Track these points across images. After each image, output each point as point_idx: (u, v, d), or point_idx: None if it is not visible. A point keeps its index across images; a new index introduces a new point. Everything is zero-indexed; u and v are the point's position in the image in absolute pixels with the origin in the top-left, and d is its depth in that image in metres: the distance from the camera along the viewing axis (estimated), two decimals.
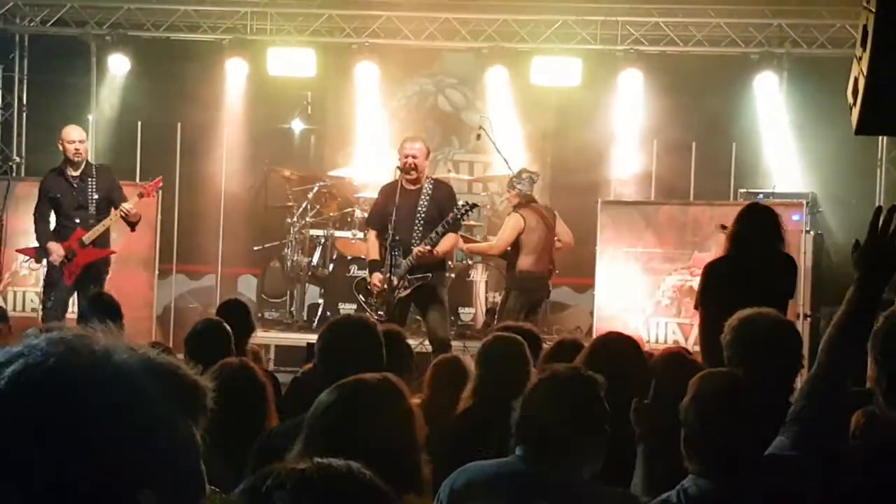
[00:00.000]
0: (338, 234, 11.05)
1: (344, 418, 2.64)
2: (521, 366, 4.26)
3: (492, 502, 3.13)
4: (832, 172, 11.45)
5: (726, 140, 11.69)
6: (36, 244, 9.03)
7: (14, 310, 10.54)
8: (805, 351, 4.42)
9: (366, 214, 10.21)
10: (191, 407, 1.15)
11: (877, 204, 11.17)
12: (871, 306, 2.87)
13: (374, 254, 8.44)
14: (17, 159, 12.02)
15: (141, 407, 1.11)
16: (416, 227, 8.23)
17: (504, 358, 4.39)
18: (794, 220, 10.13)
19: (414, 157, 8.30)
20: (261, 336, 9.06)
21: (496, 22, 12.00)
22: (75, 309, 8.90)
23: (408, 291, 8.26)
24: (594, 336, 9.62)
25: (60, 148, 8.91)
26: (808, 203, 10.60)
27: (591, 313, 10.87)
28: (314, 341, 4.31)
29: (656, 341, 9.96)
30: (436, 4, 12.05)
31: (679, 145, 11.60)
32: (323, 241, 11.13)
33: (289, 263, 11.26)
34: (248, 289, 12.45)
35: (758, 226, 6.02)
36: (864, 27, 4.16)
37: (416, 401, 3.29)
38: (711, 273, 6.11)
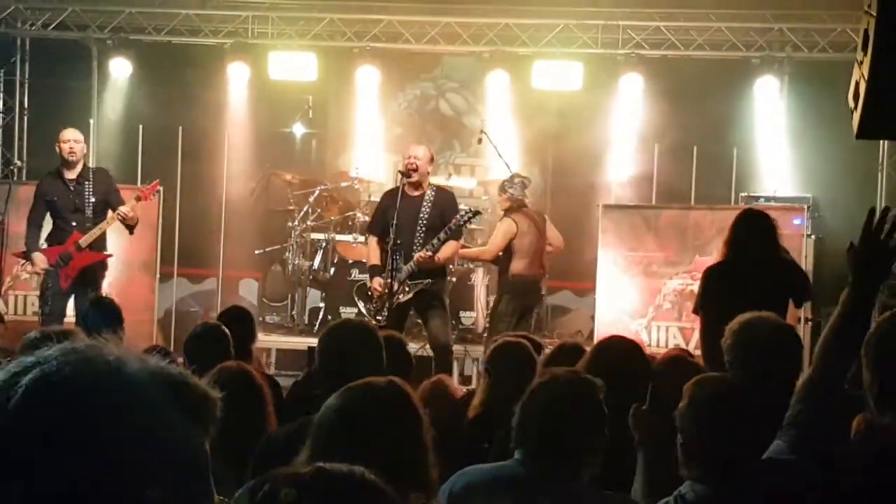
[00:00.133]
0: (339, 237, 11.05)
1: (352, 422, 2.64)
2: (531, 373, 4.26)
3: None
4: (833, 176, 11.44)
5: (727, 144, 11.69)
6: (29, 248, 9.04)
7: (15, 313, 10.55)
8: (806, 355, 4.43)
9: (366, 218, 10.23)
10: (201, 417, 1.16)
11: (879, 208, 11.21)
12: (866, 308, 2.88)
13: (375, 259, 8.43)
14: (19, 163, 12.03)
15: (152, 416, 1.12)
16: (417, 234, 8.23)
17: (514, 365, 4.40)
18: (795, 224, 10.13)
19: (417, 158, 8.30)
20: (262, 340, 9.06)
21: (497, 26, 12.01)
22: (72, 312, 8.92)
23: (408, 296, 8.26)
24: (595, 340, 9.67)
25: (57, 150, 8.93)
26: (809, 207, 10.60)
27: (592, 317, 10.87)
28: (315, 345, 4.31)
29: (658, 345, 9.95)
30: (437, 8, 12.06)
31: (680, 149, 11.60)
32: (324, 244, 11.13)
33: (290, 267, 11.27)
34: (249, 292, 12.46)
35: (754, 230, 6.03)
36: (865, 31, 4.16)
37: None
38: (710, 277, 6.12)
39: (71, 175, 8.85)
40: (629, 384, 3.63)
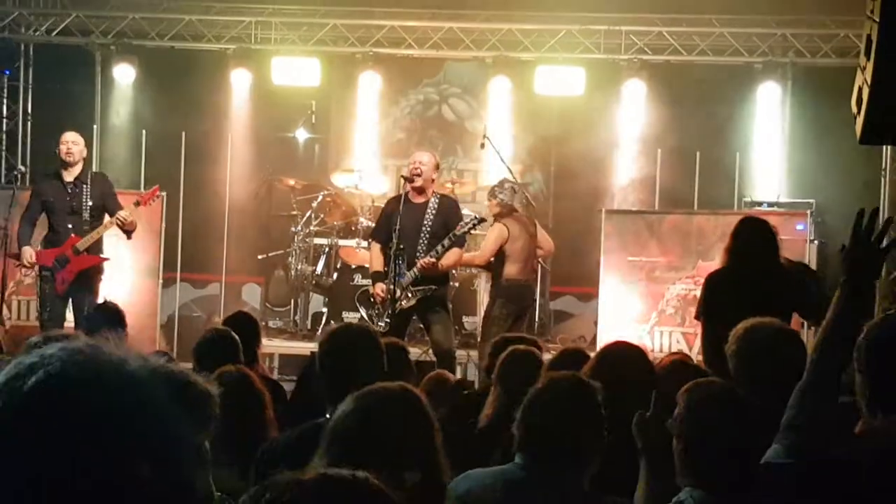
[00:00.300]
0: (342, 242, 11.06)
1: (367, 427, 2.65)
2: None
3: None
4: (836, 182, 11.43)
5: (730, 149, 11.70)
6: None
7: (18, 318, 10.56)
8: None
9: (370, 223, 10.24)
10: (202, 414, 1.17)
11: (882, 213, 11.21)
12: (858, 308, 2.89)
13: (378, 265, 8.42)
14: (22, 168, 12.04)
15: (154, 414, 1.13)
16: (421, 240, 8.22)
17: (525, 373, 4.40)
18: (798, 230, 10.13)
19: (421, 164, 8.30)
20: (265, 345, 9.05)
21: (500, 31, 12.02)
22: (70, 316, 8.95)
23: (411, 303, 8.26)
24: (598, 345, 9.66)
25: (56, 151, 8.97)
26: (811, 212, 10.60)
27: (595, 322, 10.86)
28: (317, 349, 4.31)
29: (661, 350, 9.93)
30: (439, 14, 12.08)
31: (683, 154, 11.60)
32: (327, 249, 11.14)
33: (293, 272, 11.28)
34: (252, 297, 12.47)
35: (755, 237, 6.05)
36: (868, 37, 4.16)
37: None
38: (712, 284, 6.13)
39: (69, 177, 8.87)
40: (633, 390, 3.62)
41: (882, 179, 11.49)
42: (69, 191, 8.85)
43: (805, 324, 9.46)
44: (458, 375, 9.48)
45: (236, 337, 5.38)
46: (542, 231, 9.90)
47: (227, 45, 12.23)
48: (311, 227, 11.14)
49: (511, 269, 9.22)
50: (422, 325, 8.97)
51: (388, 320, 8.18)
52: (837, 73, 10.17)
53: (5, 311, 10.00)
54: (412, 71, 12.73)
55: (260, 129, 12.34)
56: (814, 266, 10.12)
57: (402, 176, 8.57)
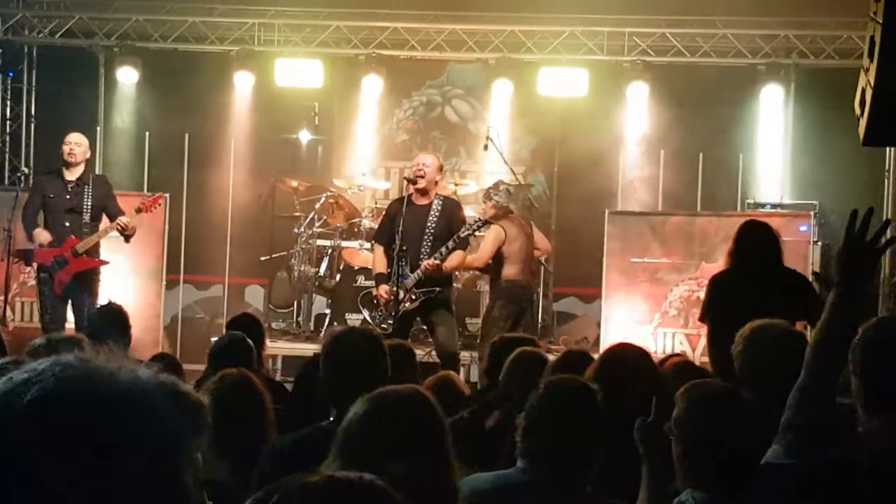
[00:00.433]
0: (345, 244, 11.06)
1: (379, 429, 2.66)
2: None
3: None
4: (839, 183, 11.43)
5: (733, 151, 11.70)
6: (24, 248, 9.05)
7: (22, 320, 10.58)
8: None
9: (373, 225, 10.24)
10: (193, 425, 1.18)
11: (885, 215, 11.20)
12: (852, 309, 2.89)
13: (381, 267, 8.42)
14: (26, 170, 12.01)
15: (146, 427, 1.14)
16: (424, 243, 8.22)
17: (532, 373, 4.40)
18: (801, 231, 10.13)
19: (425, 165, 8.31)
20: (268, 346, 9.06)
21: (503, 33, 12.02)
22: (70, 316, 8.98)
23: (414, 304, 8.26)
24: (601, 347, 9.67)
25: (60, 152, 9.01)
26: (815, 214, 10.60)
27: (598, 324, 10.87)
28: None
29: (664, 352, 9.93)
30: (443, 16, 12.08)
31: (686, 156, 11.61)
32: (330, 251, 11.14)
33: (296, 274, 11.28)
34: (255, 299, 12.47)
35: (758, 241, 6.07)
36: (872, 38, 4.16)
37: None
38: (716, 285, 6.14)
39: (70, 177, 8.92)
40: (637, 392, 3.62)
41: (885, 181, 11.49)
42: (70, 190, 8.88)
43: (808, 326, 9.47)
44: (462, 376, 9.50)
45: (250, 342, 5.43)
46: (538, 231, 9.95)
47: (231, 47, 12.23)
48: (314, 229, 11.14)
49: (510, 271, 9.25)
50: (425, 327, 8.98)
51: (391, 322, 8.18)
52: (840, 74, 10.16)
53: (9, 312, 10.02)
54: (415, 72, 12.73)
55: (263, 130, 12.34)
56: (817, 267, 10.13)
57: (406, 178, 8.58)
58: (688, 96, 11.75)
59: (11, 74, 12.79)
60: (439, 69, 12.83)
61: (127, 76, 12.20)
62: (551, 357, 5.24)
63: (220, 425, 3.73)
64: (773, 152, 11.90)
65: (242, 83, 12.15)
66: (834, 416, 2.91)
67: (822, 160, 11.51)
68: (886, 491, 2.70)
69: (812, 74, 11.84)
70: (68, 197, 8.88)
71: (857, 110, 4.31)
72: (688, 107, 11.68)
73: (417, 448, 2.64)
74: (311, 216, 11.12)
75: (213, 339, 7.60)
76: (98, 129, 12.10)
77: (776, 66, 11.74)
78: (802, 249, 9.86)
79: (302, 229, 11.14)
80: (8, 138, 12.80)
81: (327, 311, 11.13)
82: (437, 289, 8.23)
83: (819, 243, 10.47)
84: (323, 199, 11.13)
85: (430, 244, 8.22)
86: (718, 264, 8.97)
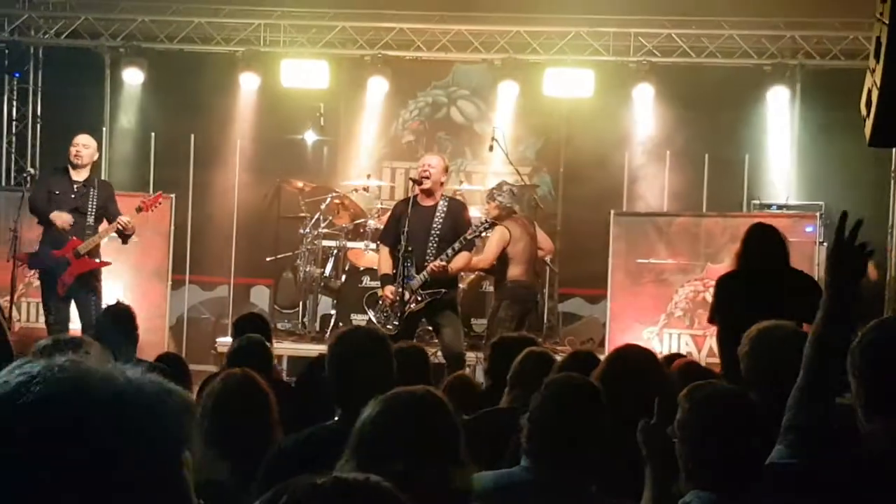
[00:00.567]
0: (350, 244, 11.07)
1: (390, 430, 2.66)
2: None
3: None
4: (845, 184, 11.40)
5: (739, 151, 11.69)
6: (27, 251, 9.05)
7: (28, 321, 10.61)
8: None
9: (378, 226, 10.24)
10: (184, 424, 1.19)
11: (891, 216, 11.19)
12: (844, 310, 2.90)
13: (386, 268, 8.41)
14: (32, 171, 12.06)
15: (137, 429, 1.16)
16: (430, 244, 8.22)
17: (542, 374, 4.40)
18: (807, 232, 10.12)
19: (430, 166, 8.30)
20: (274, 347, 9.07)
21: (509, 34, 12.02)
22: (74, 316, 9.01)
23: (420, 306, 8.26)
24: (606, 347, 9.67)
25: (67, 153, 9.04)
26: (821, 215, 10.58)
27: (604, 324, 10.86)
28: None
29: (669, 353, 9.94)
30: (448, 16, 12.08)
31: (692, 156, 11.60)
32: (335, 252, 11.15)
33: (301, 274, 11.28)
34: (260, 299, 12.48)
35: (766, 242, 6.08)
36: (878, 39, 4.16)
37: None
38: (724, 286, 6.15)
39: (77, 178, 8.96)
40: (645, 393, 3.62)
41: (891, 181, 11.47)
42: (76, 190, 8.91)
43: None
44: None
45: (268, 344, 5.45)
46: (541, 231, 9.97)
47: (236, 48, 12.24)
48: (320, 230, 11.14)
49: (514, 271, 9.27)
50: (430, 328, 8.98)
51: (396, 323, 8.18)
52: (847, 75, 10.14)
53: (14, 312, 10.04)
54: (421, 73, 12.73)
55: (268, 131, 12.35)
56: (823, 268, 10.11)
57: (411, 178, 8.57)
58: (693, 97, 11.73)
59: (17, 75, 12.82)
60: (445, 70, 12.84)
61: (133, 77, 12.21)
62: (557, 358, 5.24)
63: (223, 425, 3.76)
64: (779, 153, 11.88)
65: (248, 84, 12.15)
66: (834, 416, 2.92)
67: (829, 161, 11.49)
68: (888, 491, 2.70)
69: (818, 75, 11.82)
70: (73, 196, 8.90)
71: (864, 111, 4.31)
72: (693, 107, 11.67)
73: (431, 449, 2.64)
74: (316, 217, 11.12)
75: (221, 339, 7.61)
76: (104, 129, 12.11)
77: (782, 66, 11.73)
78: (808, 250, 9.85)
79: (307, 230, 11.14)
80: (14, 139, 12.83)
81: (333, 311, 11.14)
82: (443, 290, 8.22)
83: (825, 244, 10.44)
84: (328, 199, 11.13)
85: (435, 245, 8.21)
86: (724, 265, 8.98)
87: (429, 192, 8.32)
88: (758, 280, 5.89)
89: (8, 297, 9.54)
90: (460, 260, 8.26)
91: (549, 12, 11.93)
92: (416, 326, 8.65)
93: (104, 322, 6.61)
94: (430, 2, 12.15)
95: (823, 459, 2.82)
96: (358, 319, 10.21)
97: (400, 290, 8.10)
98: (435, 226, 8.24)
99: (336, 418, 3.74)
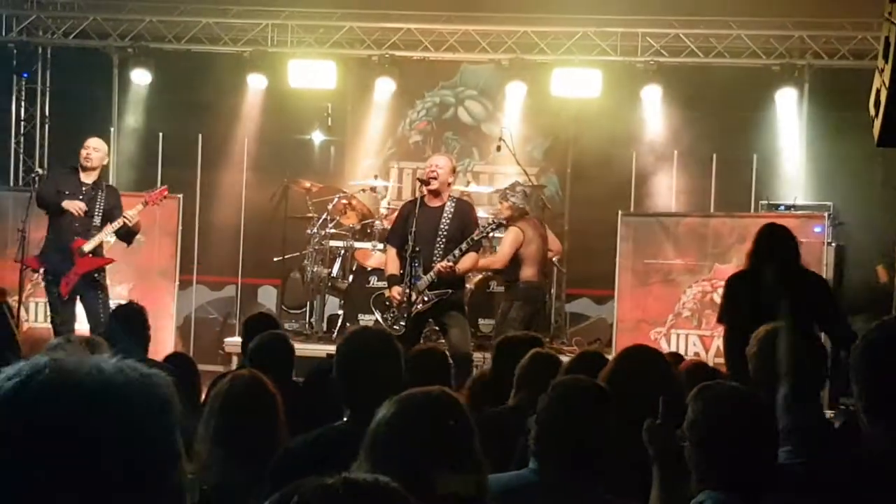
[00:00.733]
0: (357, 245, 11.07)
1: (405, 431, 2.66)
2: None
3: None
4: (854, 184, 11.40)
5: (747, 151, 11.67)
6: (35, 253, 9.06)
7: (36, 320, 10.63)
8: (828, 363, 4.42)
9: (385, 226, 10.24)
10: (170, 417, 1.21)
11: None
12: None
13: (393, 269, 8.40)
14: (40, 171, 12.05)
15: (129, 419, 1.17)
16: (437, 245, 8.20)
17: (546, 375, 4.40)
18: (815, 232, 10.09)
19: (438, 167, 8.29)
20: None
21: (516, 34, 12.02)
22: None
23: (427, 306, 8.25)
24: (614, 348, 9.66)
25: (78, 154, 9.06)
26: (829, 215, 10.56)
27: (611, 325, 10.86)
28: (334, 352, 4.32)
29: (670, 352, 9.93)
30: (456, 17, 12.09)
31: (699, 157, 11.59)
32: (342, 252, 11.15)
33: (308, 274, 11.29)
34: (268, 299, 12.50)
35: (777, 243, 6.08)
36: (886, 39, 4.15)
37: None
38: (733, 286, 6.15)
39: (86, 179, 8.97)
40: (653, 394, 3.61)
41: None
42: (84, 191, 8.91)
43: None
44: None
45: (291, 343, 5.49)
46: (550, 232, 9.98)
47: (244, 48, 12.26)
48: (327, 230, 11.15)
49: (527, 272, 9.30)
50: (437, 328, 8.98)
51: (403, 323, 8.18)
52: (855, 75, 10.13)
53: (22, 313, 10.06)
54: (428, 73, 12.73)
55: (276, 131, 12.36)
56: (831, 268, 10.10)
57: (419, 179, 8.57)
58: (701, 97, 11.73)
59: (26, 75, 12.86)
60: (452, 70, 12.84)
61: (140, 77, 12.23)
62: (564, 358, 5.23)
63: (230, 426, 3.77)
64: (788, 153, 11.86)
65: (256, 84, 12.17)
66: (824, 420, 2.93)
67: (837, 161, 11.47)
68: (888, 491, 2.70)
69: (826, 75, 11.80)
70: (81, 197, 8.90)
71: (872, 111, 4.30)
72: (701, 107, 11.66)
73: (446, 450, 2.64)
74: (323, 217, 11.13)
75: (228, 339, 7.60)
76: (112, 129, 12.15)
77: (790, 66, 11.71)
78: (816, 251, 9.83)
79: (315, 230, 11.15)
80: (22, 139, 12.86)
81: (340, 311, 11.14)
82: (450, 290, 8.21)
83: (833, 244, 10.43)
84: (336, 199, 11.14)
85: (442, 246, 8.20)
86: (732, 265, 8.98)
87: (436, 193, 8.30)
88: (768, 281, 5.88)
89: (16, 298, 9.55)
90: (467, 261, 8.25)
91: (556, 12, 11.92)
92: (424, 327, 8.65)
93: (115, 322, 6.61)
94: (438, 2, 12.16)
95: (823, 459, 2.82)
96: (365, 320, 10.20)
97: (407, 290, 8.09)
98: (442, 226, 8.23)
99: (345, 419, 3.74)
